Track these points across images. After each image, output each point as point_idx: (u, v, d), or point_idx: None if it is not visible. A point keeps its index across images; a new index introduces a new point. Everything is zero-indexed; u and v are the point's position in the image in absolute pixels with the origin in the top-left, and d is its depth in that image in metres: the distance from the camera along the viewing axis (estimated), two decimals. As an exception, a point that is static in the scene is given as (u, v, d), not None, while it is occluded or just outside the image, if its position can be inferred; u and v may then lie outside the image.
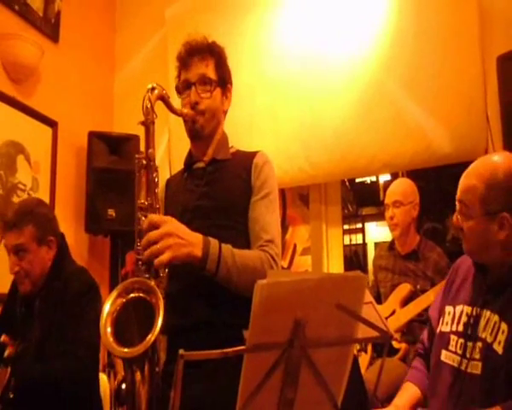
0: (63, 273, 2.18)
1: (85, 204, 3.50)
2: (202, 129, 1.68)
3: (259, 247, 1.58)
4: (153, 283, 1.37)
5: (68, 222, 3.54)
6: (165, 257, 1.37)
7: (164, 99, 1.57)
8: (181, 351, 0.84)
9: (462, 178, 1.60)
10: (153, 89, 1.53)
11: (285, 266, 3.54)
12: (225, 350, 0.86)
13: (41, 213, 2.21)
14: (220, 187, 1.67)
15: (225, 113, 1.80)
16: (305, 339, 0.91)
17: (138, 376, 1.31)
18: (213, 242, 1.49)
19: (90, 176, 3.50)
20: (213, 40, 1.76)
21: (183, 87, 1.71)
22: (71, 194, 3.61)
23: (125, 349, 1.27)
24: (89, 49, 3.90)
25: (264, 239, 1.58)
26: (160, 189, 1.83)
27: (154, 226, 1.40)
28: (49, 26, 3.50)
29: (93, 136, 3.54)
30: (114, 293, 1.35)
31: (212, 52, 1.72)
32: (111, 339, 1.28)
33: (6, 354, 2.02)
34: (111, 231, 3.61)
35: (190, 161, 1.79)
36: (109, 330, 1.29)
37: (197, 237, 1.47)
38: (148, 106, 1.51)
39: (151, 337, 1.26)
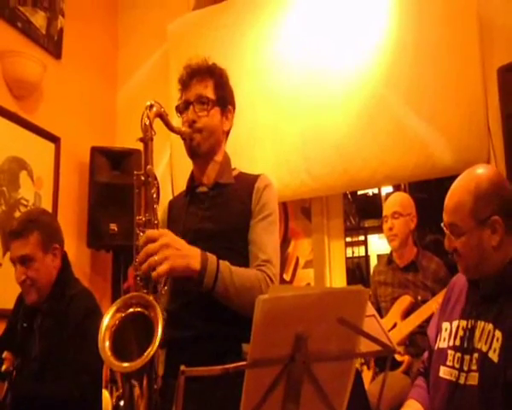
0: (67, 293, 2.16)
1: (87, 219, 3.51)
2: (199, 146, 1.70)
3: (256, 266, 1.58)
4: (151, 297, 1.37)
5: (70, 237, 3.53)
6: (163, 268, 1.37)
7: (162, 117, 1.59)
8: (182, 367, 0.84)
9: (446, 200, 1.62)
10: (151, 106, 1.55)
11: (287, 279, 3.52)
12: (226, 366, 0.86)
13: (45, 221, 2.21)
14: (222, 211, 1.68)
15: (226, 134, 1.82)
16: (306, 354, 0.91)
17: (137, 391, 1.29)
18: (211, 257, 1.49)
19: (92, 191, 3.51)
20: (214, 62, 1.79)
21: (183, 107, 1.74)
22: (73, 209, 3.61)
23: (124, 364, 1.26)
24: (91, 66, 3.93)
25: (261, 259, 1.59)
26: (163, 210, 1.84)
27: (152, 240, 1.41)
28: (52, 43, 3.54)
29: (95, 151, 3.55)
30: (113, 307, 1.34)
31: (211, 73, 1.75)
32: (109, 353, 1.27)
33: (3, 368, 2.02)
34: (113, 246, 3.60)
35: (193, 183, 1.80)
36: (107, 344, 1.28)
37: (195, 250, 1.47)
38: (147, 123, 1.53)
39: (150, 351, 1.25)
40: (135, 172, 1.52)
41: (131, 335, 1.34)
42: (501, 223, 1.52)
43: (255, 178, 1.74)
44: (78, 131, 3.69)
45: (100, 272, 3.79)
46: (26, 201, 3.19)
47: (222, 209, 1.68)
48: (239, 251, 1.63)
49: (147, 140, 1.53)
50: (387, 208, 3.02)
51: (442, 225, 1.64)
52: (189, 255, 1.45)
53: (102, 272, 3.81)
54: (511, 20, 2.92)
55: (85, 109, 3.81)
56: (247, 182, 1.74)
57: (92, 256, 3.73)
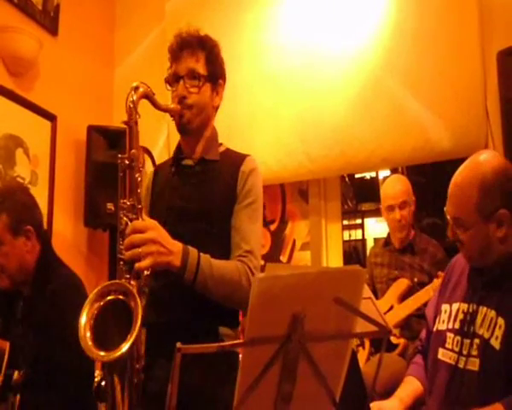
0: (49, 286, 1.99)
1: (84, 198, 3.50)
2: (189, 123, 1.67)
3: (238, 257, 1.58)
4: (130, 285, 1.36)
5: (67, 216, 3.54)
6: (145, 263, 1.38)
7: (149, 97, 1.55)
8: (178, 344, 0.84)
9: (450, 189, 1.58)
10: (136, 88, 1.51)
11: (284, 261, 3.54)
12: (222, 344, 0.86)
13: (17, 201, 2.05)
14: (206, 191, 1.67)
15: (216, 109, 1.79)
16: (303, 333, 0.91)
17: (117, 377, 1.32)
18: (192, 252, 1.49)
19: (89, 170, 3.49)
20: (206, 33, 1.75)
21: (173, 80, 1.71)
22: (70, 188, 3.60)
23: (102, 353, 1.26)
24: (88, 43, 3.88)
25: (243, 249, 1.59)
26: (148, 177, 1.83)
27: (138, 231, 1.40)
28: (48, 19, 3.49)
29: (92, 129, 3.52)
30: (91, 297, 1.33)
31: (203, 46, 1.71)
32: (90, 343, 1.27)
33: (14, 380, 1.87)
34: (110, 225, 3.59)
35: (179, 155, 1.77)
36: (88, 334, 1.27)
37: (177, 247, 1.47)
38: (131, 106, 1.49)
39: (127, 343, 1.25)
40: (119, 156, 1.48)
41: (112, 322, 1.33)
42: (508, 216, 1.49)
43: (241, 159, 1.72)
44: (74, 110, 3.65)
45: (97, 251, 3.79)
46: (22, 179, 3.17)
47: (206, 189, 1.67)
48: (219, 234, 1.63)
49: (131, 123, 1.49)
50: (393, 198, 2.94)
51: (445, 209, 1.61)
52: (172, 252, 1.45)
53: (99, 251, 3.80)
54: (511, 3, 2.89)
55: (82, 87, 3.77)
56: (233, 162, 1.72)
57: (89, 235, 3.73)
